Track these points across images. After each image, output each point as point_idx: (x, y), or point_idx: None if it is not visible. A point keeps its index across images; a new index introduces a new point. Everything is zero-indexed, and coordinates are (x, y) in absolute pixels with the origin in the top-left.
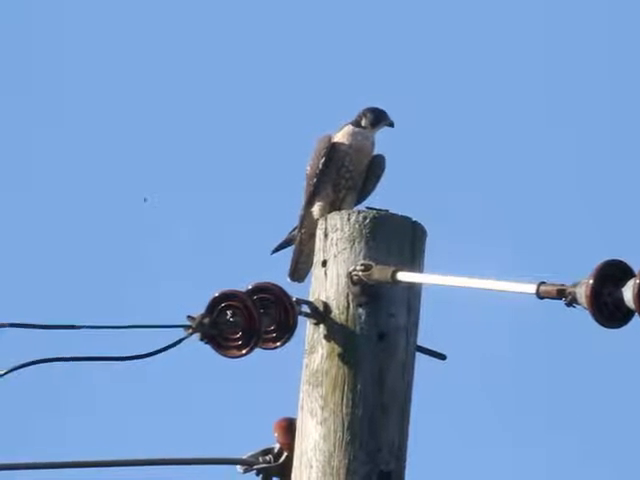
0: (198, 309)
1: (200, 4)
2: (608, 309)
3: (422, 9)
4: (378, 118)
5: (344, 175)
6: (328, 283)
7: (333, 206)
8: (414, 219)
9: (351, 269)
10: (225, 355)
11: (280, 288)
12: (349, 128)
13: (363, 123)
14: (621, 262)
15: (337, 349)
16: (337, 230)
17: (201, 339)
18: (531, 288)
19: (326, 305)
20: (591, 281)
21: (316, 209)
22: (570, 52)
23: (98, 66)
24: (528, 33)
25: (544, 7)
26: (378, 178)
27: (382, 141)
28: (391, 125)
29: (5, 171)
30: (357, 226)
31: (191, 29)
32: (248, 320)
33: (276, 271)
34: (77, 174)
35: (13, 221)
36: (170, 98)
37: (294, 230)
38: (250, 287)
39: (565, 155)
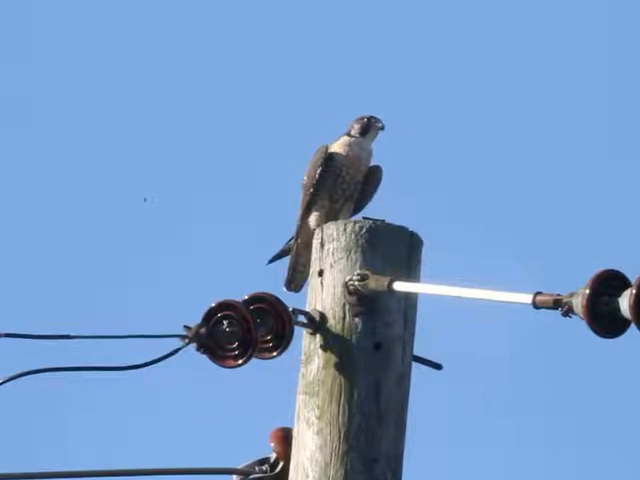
0: (194, 319)
1: (201, 13)
2: (604, 319)
3: (421, 16)
4: (365, 126)
5: (340, 185)
6: (324, 293)
7: (329, 216)
8: (410, 229)
9: (347, 279)
10: (221, 365)
11: (276, 298)
12: (345, 138)
13: (352, 133)
14: (617, 272)
15: (333, 359)
16: (333, 240)
17: (197, 349)
18: (527, 298)
19: (322, 315)
20: (587, 291)
21: (312, 219)
22: (569, 58)
23: (98, 66)
24: (525, 38)
25: (539, 12)
26: (375, 188)
27: (379, 150)
28: (382, 129)
29: (3, 175)
30: (353, 236)
31: (193, 38)
32: (244, 330)
33: (272, 281)
34: (76, 175)
35: (7, 228)
36: (171, 104)
37: (290, 240)
38: (246, 297)
39: (562, 165)
